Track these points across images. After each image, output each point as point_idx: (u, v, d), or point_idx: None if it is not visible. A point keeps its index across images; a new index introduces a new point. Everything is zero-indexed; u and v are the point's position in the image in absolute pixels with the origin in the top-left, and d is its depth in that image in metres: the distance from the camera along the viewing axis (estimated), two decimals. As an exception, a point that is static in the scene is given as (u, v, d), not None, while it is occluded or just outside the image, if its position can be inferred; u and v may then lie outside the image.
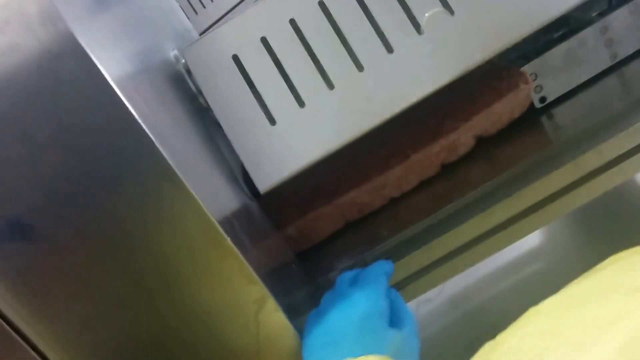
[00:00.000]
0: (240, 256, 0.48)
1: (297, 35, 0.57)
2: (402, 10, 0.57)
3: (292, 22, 0.57)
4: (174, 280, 0.48)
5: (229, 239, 0.48)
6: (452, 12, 0.57)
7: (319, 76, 0.58)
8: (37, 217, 0.43)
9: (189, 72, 0.65)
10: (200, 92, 0.59)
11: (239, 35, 0.57)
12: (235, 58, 0.58)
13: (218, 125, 0.63)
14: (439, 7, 0.57)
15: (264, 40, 0.58)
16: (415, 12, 0.57)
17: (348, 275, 0.53)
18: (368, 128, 0.58)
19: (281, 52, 0.58)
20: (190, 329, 0.51)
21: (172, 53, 0.65)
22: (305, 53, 0.58)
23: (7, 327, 0.46)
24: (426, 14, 0.57)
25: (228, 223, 0.50)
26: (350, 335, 0.46)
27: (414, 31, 0.58)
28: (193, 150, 0.52)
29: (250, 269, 0.49)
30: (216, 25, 0.59)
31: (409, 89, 0.58)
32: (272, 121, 0.58)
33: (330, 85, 0.58)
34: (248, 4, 0.74)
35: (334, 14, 0.57)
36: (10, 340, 0.46)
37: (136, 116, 0.43)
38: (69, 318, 0.47)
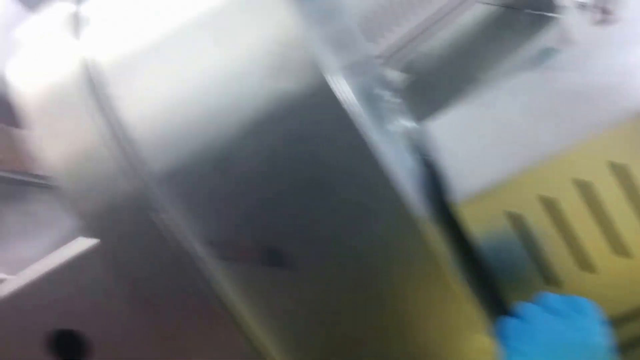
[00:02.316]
0: (472, 304, 0.48)
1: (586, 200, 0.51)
2: None
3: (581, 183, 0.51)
4: (406, 319, 0.50)
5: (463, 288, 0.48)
6: None
7: (607, 242, 0.51)
8: (289, 248, 0.47)
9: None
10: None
11: (518, 194, 0.52)
12: (514, 216, 0.53)
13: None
14: None
15: (546, 200, 0.52)
16: None
17: (555, 297, 0.50)
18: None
19: (569, 214, 0.51)
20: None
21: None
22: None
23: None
24: None
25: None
26: None
27: None
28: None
29: (480, 316, 0.49)
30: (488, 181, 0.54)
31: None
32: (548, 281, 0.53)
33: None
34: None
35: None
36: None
37: (386, 165, 0.45)
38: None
